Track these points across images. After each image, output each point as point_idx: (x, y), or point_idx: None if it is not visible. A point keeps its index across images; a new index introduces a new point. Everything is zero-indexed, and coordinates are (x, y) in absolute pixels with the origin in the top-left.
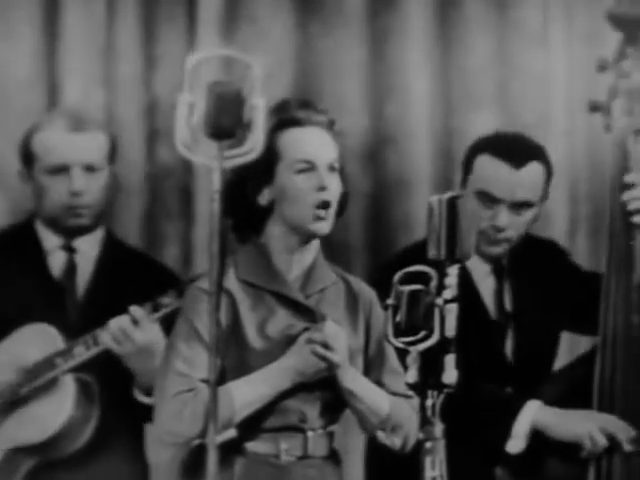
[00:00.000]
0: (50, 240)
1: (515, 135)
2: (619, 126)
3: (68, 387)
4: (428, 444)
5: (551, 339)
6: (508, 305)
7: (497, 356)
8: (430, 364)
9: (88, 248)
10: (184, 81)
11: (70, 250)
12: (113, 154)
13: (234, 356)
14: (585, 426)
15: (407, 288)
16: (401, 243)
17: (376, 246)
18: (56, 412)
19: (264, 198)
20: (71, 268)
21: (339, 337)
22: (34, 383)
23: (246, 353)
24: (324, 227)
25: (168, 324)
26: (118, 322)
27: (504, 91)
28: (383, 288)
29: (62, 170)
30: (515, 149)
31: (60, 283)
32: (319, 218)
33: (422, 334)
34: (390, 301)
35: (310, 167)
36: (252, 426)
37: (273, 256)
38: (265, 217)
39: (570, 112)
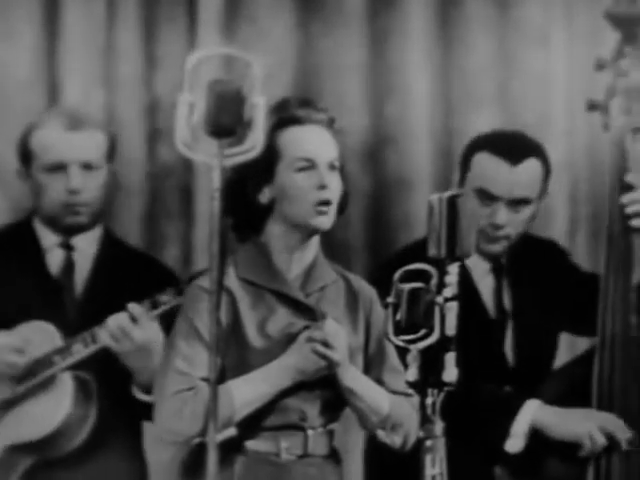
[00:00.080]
0: (48, 238)
1: (512, 132)
2: (617, 125)
3: (66, 385)
4: (428, 442)
5: (550, 338)
6: (507, 304)
7: (496, 355)
8: (430, 362)
9: (86, 246)
10: (184, 80)
11: (68, 248)
12: (112, 153)
13: (234, 355)
14: (585, 425)
15: (407, 286)
16: (401, 242)
17: (376, 245)
18: (54, 410)
19: (264, 197)
20: (69, 266)
21: (339, 335)
22: (32, 381)
23: (246, 352)
24: (325, 222)
25: (167, 322)
26: (116, 320)
27: (504, 91)
28: (383, 286)
29: (60, 168)
30: (512, 146)
31: (58, 281)
32: (320, 213)
33: (422, 332)
34: (390, 299)
35: (310, 165)
36: (252, 425)
37: (273, 255)
38: (265, 216)
39: (571, 112)
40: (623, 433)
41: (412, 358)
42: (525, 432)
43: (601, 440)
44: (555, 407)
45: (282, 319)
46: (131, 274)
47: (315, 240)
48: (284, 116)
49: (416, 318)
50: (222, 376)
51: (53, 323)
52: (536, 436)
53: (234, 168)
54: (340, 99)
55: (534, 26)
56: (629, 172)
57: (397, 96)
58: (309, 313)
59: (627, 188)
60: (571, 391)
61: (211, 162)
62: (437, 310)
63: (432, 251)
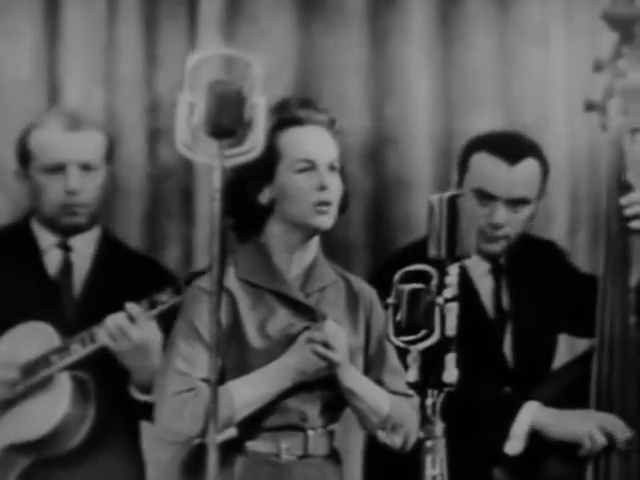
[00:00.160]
0: (46, 239)
1: (510, 132)
2: (615, 125)
3: (64, 385)
4: (428, 443)
5: (549, 339)
6: (506, 304)
7: (495, 355)
8: (430, 363)
9: (84, 246)
10: (185, 80)
11: (66, 248)
12: (110, 153)
13: (234, 355)
14: (584, 425)
15: (407, 287)
16: (401, 243)
17: (376, 246)
18: (52, 410)
19: (264, 197)
20: (67, 266)
21: (339, 336)
22: (30, 381)
23: (246, 352)
24: (326, 221)
25: (165, 321)
26: (115, 319)
27: (505, 91)
28: (383, 287)
29: (58, 169)
30: (510, 146)
31: (56, 281)
32: (320, 212)
33: (422, 333)
34: (390, 300)
35: (310, 166)
36: (252, 425)
37: (273, 255)
38: (265, 216)
39: (571, 112)
40: (623, 433)
41: (412, 359)
42: (525, 434)
43: (601, 440)
44: (553, 408)
45: (282, 320)
46: (129, 274)
47: (315, 240)
48: (284, 117)
49: (416, 319)
50: (222, 377)
51: (51, 323)
52: (535, 437)
53: (234, 169)
54: (340, 99)
55: (534, 24)
56: (627, 172)
57: (397, 96)
58: (309, 314)
59: (625, 188)
60: (570, 391)
61: (211, 163)
62: (437, 311)
63: (432, 251)
